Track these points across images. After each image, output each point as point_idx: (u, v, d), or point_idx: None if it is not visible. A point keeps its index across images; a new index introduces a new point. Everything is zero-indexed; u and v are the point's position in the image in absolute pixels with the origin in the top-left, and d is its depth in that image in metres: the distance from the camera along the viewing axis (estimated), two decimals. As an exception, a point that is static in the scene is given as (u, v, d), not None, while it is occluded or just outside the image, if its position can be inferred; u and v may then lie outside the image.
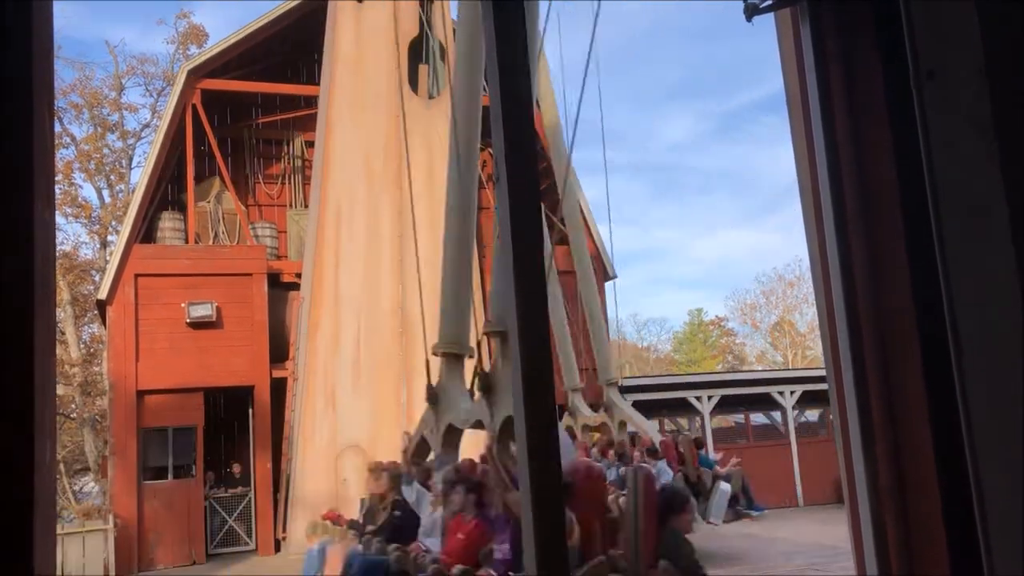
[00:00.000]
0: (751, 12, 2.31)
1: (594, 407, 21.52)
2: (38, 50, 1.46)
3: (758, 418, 25.62)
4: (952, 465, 1.80)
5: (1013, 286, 1.29)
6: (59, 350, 29.62)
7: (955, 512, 1.89)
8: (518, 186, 1.81)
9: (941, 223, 1.41)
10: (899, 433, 2.10)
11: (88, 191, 34.90)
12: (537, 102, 18.17)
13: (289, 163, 23.21)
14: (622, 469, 12.03)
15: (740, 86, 76.50)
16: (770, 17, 2.48)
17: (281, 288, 20.26)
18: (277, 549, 18.64)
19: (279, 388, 19.53)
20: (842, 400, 2.25)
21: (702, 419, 22.55)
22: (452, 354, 9.87)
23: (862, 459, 2.14)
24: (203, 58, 20.63)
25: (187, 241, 20.12)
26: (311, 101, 22.13)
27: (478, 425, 8.73)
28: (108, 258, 26.10)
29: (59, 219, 30.90)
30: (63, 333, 30.22)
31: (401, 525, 8.68)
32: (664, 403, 23.05)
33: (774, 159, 70.99)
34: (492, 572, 6.52)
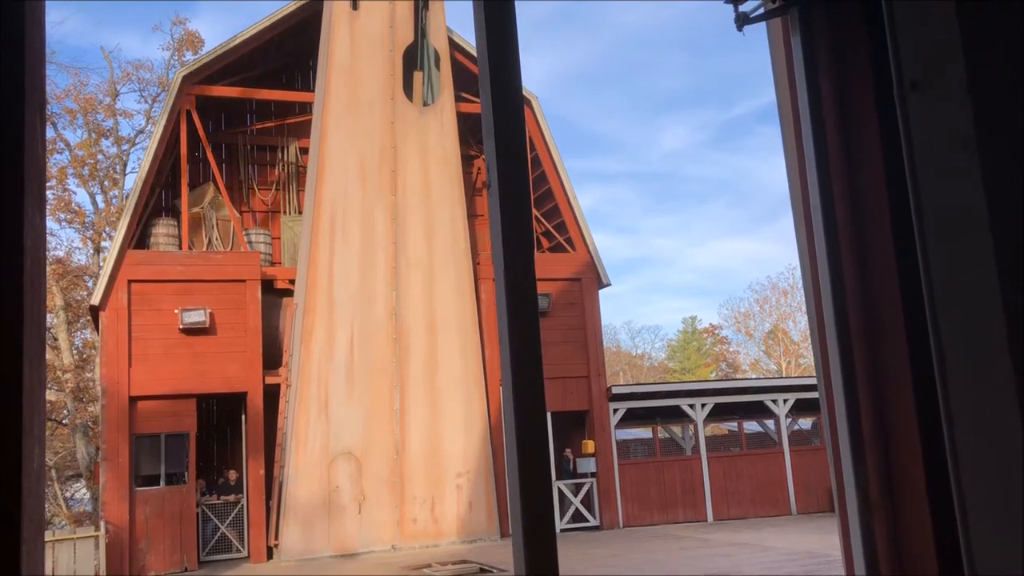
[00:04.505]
0: (742, 21, 2.33)
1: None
2: (29, 54, 1.47)
3: (751, 426, 25.64)
4: (941, 472, 1.81)
5: (994, 296, 1.30)
6: (52, 356, 29.50)
7: (943, 518, 1.90)
8: (509, 192, 1.81)
9: (924, 234, 1.43)
10: (889, 441, 2.11)
11: (82, 197, 34.78)
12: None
13: (284, 169, 23.18)
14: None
15: (738, 96, 76.76)
16: (763, 29, 2.50)
17: (275, 294, 20.23)
18: (269, 556, 18.57)
19: (272, 394, 19.48)
20: (832, 408, 2.26)
21: (695, 426, 22.56)
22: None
23: (852, 467, 2.15)
24: (198, 64, 20.61)
25: (181, 247, 20.07)
26: (306, 107, 22.12)
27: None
28: (101, 264, 26.05)
29: (53, 225, 30.78)
30: (56, 339, 30.13)
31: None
32: (658, 411, 23.06)
33: (771, 168, 71.24)
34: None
